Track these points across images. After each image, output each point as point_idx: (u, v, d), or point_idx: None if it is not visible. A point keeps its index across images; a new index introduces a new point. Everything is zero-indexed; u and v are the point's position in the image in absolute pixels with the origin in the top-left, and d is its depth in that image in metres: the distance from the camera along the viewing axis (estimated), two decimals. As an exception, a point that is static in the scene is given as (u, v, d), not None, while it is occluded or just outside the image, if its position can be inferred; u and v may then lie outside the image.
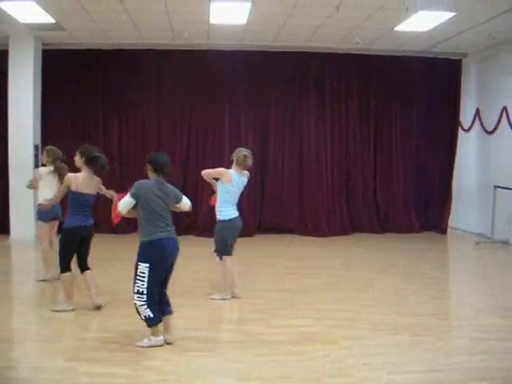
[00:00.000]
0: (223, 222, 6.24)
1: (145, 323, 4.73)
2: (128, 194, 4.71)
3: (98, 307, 5.75)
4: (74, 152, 5.79)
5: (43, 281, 6.94)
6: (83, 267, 5.89)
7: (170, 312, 4.86)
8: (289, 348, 4.77)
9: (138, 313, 4.71)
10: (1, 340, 4.88)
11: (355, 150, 11.29)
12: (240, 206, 6.52)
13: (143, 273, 4.62)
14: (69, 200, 5.67)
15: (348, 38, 9.96)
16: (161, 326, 4.78)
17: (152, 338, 4.73)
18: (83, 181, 5.58)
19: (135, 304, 4.69)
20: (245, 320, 5.58)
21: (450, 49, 10.76)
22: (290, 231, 11.03)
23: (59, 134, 10.27)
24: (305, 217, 11.11)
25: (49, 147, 7.12)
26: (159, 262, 4.68)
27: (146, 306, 4.64)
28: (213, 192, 6.48)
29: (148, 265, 4.61)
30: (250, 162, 6.28)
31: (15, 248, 9.62)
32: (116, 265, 7.93)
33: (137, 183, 4.78)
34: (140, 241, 4.72)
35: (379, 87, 11.25)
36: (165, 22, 9.03)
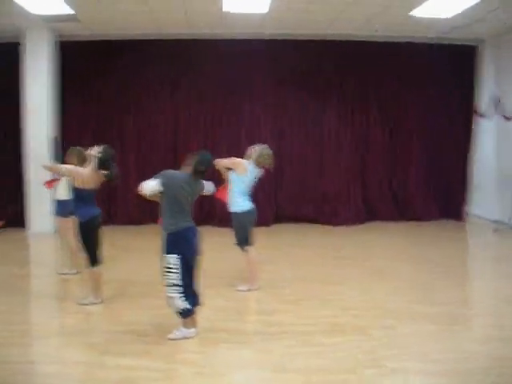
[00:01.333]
0: (241, 213, 6.15)
1: (177, 315, 4.71)
2: (157, 179, 4.65)
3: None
4: (93, 143, 5.78)
5: (66, 274, 6.93)
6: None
7: (199, 303, 4.84)
8: (319, 339, 4.77)
9: (174, 306, 4.67)
10: (28, 334, 4.90)
11: (372, 139, 11.18)
12: (255, 196, 6.45)
13: (175, 264, 4.57)
14: (76, 196, 5.65)
15: (367, 26, 9.82)
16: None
17: (183, 329, 4.72)
18: (88, 176, 5.56)
19: (171, 298, 4.64)
20: (272, 311, 5.56)
21: (467, 34, 10.56)
22: (307, 220, 10.96)
23: (78, 125, 10.32)
24: (322, 205, 11.04)
25: (77, 149, 6.56)
26: (188, 251, 4.66)
27: (184, 298, 4.61)
28: (222, 182, 6.37)
29: (178, 255, 4.58)
30: (272, 161, 6.20)
31: (34, 241, 9.62)
32: (134, 256, 7.95)
33: (167, 172, 4.73)
34: (166, 232, 4.67)
35: (396, 75, 11.11)
36: (180, 11, 8.95)
